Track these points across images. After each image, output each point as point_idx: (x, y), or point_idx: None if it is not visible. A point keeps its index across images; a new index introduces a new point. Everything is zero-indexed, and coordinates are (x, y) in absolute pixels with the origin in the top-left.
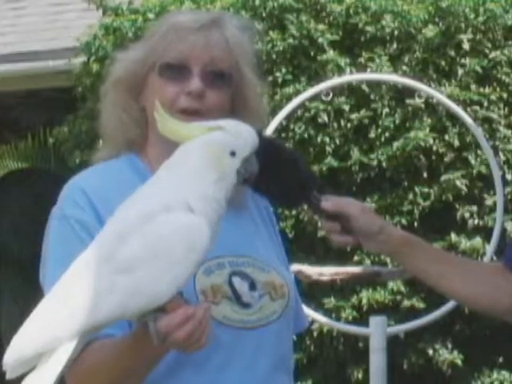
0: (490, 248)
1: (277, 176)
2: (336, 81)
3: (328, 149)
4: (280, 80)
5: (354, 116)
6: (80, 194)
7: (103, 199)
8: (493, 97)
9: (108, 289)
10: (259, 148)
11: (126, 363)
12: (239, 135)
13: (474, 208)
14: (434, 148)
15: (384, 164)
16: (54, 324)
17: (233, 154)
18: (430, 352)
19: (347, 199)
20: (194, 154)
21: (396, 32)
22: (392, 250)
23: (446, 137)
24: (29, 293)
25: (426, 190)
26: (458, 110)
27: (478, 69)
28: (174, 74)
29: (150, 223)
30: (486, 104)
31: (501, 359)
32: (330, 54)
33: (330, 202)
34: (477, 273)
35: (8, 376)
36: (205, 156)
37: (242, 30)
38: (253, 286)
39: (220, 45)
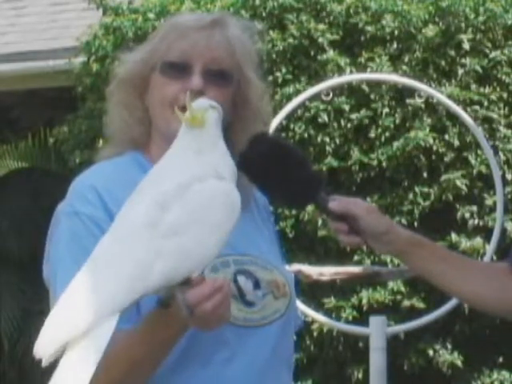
0: (489, 248)
1: (284, 176)
2: (336, 81)
3: (328, 149)
4: (280, 80)
5: (354, 116)
6: (90, 190)
7: (113, 196)
8: (493, 97)
9: (156, 254)
10: (266, 148)
11: (139, 351)
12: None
13: (474, 208)
14: (434, 148)
15: (384, 164)
16: (101, 297)
17: None
18: (430, 352)
19: (354, 199)
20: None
21: (396, 32)
22: (399, 251)
23: (446, 137)
24: (29, 292)
25: (426, 189)
26: (458, 110)
27: (478, 69)
28: (175, 72)
29: (188, 192)
30: (486, 104)
31: (501, 359)
32: (330, 53)
33: (336, 203)
34: (484, 274)
35: (45, 362)
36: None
37: (243, 30)
38: (257, 285)
39: (221, 44)
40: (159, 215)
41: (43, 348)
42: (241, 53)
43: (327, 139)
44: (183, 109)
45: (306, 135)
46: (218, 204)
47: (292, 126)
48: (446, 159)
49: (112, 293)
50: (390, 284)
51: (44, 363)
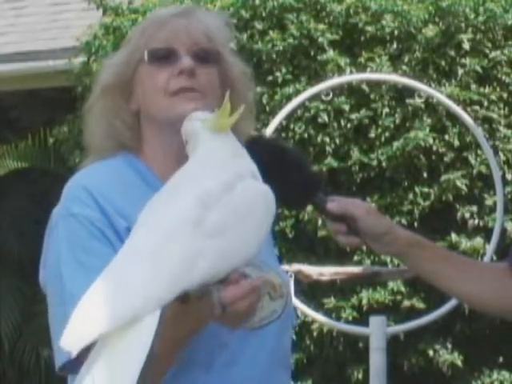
0: (489, 248)
1: (282, 177)
2: (336, 81)
3: (328, 149)
4: (280, 80)
5: (354, 116)
6: (84, 192)
7: (106, 197)
8: (493, 97)
9: (199, 253)
10: (264, 150)
11: (159, 347)
12: None
13: (474, 208)
14: (434, 148)
15: (384, 164)
16: (142, 292)
17: None
18: (430, 352)
19: (353, 200)
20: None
21: (396, 32)
22: (398, 251)
23: (446, 137)
24: (29, 293)
25: (426, 189)
26: (457, 110)
27: (478, 69)
28: (162, 58)
29: (231, 190)
30: (486, 104)
31: (501, 359)
32: (330, 53)
33: (335, 203)
34: (484, 274)
35: (74, 354)
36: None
37: (215, 18)
38: None
39: (199, 29)
40: (204, 213)
41: (73, 341)
42: (218, 38)
43: (327, 139)
44: (175, 93)
45: (305, 135)
46: (259, 204)
47: (292, 126)
48: (446, 159)
49: (155, 288)
50: (390, 284)
51: (72, 356)
